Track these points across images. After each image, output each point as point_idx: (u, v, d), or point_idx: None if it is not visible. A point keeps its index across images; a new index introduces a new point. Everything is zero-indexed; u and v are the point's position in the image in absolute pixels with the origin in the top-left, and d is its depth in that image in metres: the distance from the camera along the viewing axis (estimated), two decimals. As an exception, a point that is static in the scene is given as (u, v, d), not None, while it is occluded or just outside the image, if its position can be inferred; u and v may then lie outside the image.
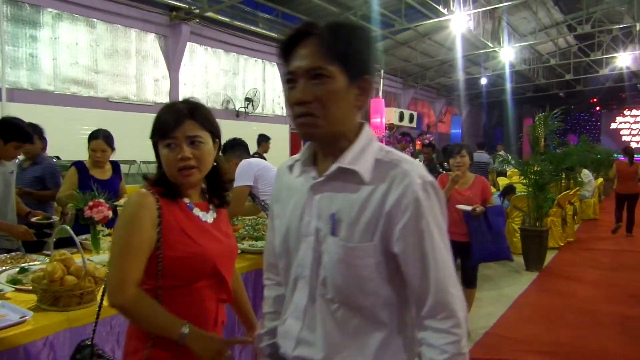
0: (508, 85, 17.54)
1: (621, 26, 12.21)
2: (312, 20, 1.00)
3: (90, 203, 2.41)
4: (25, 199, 3.23)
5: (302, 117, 0.96)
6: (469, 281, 3.70)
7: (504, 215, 3.75)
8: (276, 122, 11.32)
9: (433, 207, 0.95)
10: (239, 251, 2.91)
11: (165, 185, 1.31)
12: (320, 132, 0.96)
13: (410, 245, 0.93)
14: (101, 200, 2.47)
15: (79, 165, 3.17)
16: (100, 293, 1.80)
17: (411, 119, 15.39)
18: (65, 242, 2.39)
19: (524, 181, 6.35)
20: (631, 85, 19.38)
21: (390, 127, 12.19)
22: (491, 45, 12.19)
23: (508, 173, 10.77)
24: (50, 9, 7.35)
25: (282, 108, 11.79)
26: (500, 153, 9.09)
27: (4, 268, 2.12)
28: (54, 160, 4.29)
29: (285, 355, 1.05)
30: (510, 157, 7.22)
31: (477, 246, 3.51)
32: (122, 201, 3.13)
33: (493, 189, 6.80)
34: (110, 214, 2.47)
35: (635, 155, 8.47)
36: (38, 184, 3.49)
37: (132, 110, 8.17)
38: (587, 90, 20.00)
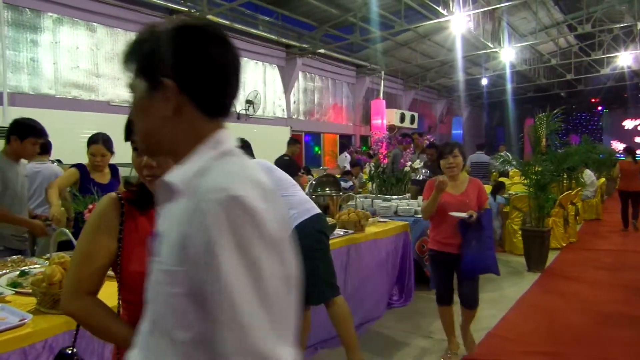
0: (509, 86, 17.53)
1: (622, 25, 12.19)
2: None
3: (90, 206, 2.41)
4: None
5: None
6: (470, 301, 3.30)
7: (492, 218, 3.38)
8: (277, 124, 11.33)
9: (230, 231, 0.71)
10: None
11: (139, 192, 1.24)
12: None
13: (199, 279, 0.72)
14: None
15: (80, 167, 3.19)
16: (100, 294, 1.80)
17: (412, 120, 15.39)
18: (67, 246, 2.40)
19: (525, 181, 6.34)
20: (633, 84, 19.35)
21: (391, 128, 12.18)
22: (491, 46, 12.19)
23: (510, 173, 10.75)
24: (50, 14, 7.37)
25: (282, 110, 11.80)
26: (501, 154, 9.06)
27: (4, 271, 2.13)
28: (54, 163, 4.30)
29: None
30: (511, 158, 7.20)
31: (466, 258, 3.13)
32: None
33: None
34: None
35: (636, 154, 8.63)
36: None
37: (133, 113, 8.17)
38: (588, 90, 19.98)
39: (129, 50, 0.90)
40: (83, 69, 7.81)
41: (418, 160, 5.30)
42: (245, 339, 0.69)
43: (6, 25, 6.87)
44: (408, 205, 4.85)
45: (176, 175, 0.81)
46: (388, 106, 14.46)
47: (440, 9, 9.54)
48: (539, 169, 6.12)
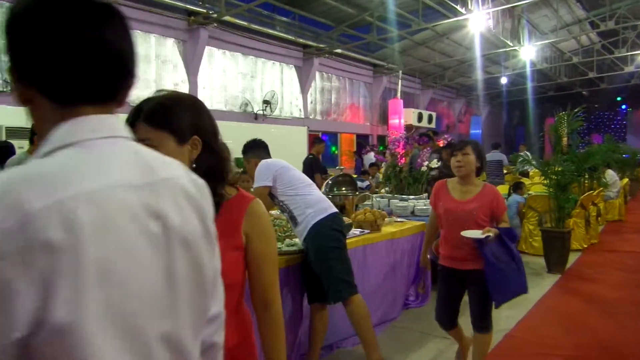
0: (529, 84, 17.26)
1: (646, 22, 11.91)
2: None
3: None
4: None
5: None
6: (481, 323, 2.82)
7: (515, 238, 2.86)
8: (294, 124, 11.36)
9: None
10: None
11: None
12: None
13: None
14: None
15: None
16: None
17: (430, 120, 15.27)
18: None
19: (545, 182, 6.25)
20: (658, 82, 18.90)
21: (409, 128, 12.11)
22: (511, 44, 12.02)
23: (530, 173, 10.59)
24: (72, 16, 7.52)
25: (299, 110, 11.83)
26: (521, 153, 8.94)
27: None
28: None
29: None
30: (530, 157, 7.09)
31: (498, 283, 2.61)
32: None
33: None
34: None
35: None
36: None
37: (152, 114, 8.29)
38: (611, 88, 19.55)
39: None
40: (104, 71, 7.94)
41: (435, 160, 5.25)
42: None
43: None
44: (425, 205, 4.81)
45: None
46: (405, 106, 14.37)
47: (458, 7, 9.44)
48: (560, 169, 6.02)
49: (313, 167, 6.99)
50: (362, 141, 13.71)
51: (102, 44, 0.71)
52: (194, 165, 1.21)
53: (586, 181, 8.57)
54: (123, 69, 0.75)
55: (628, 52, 14.04)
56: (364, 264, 3.65)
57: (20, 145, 4.88)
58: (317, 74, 12.24)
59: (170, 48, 8.95)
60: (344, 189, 4.33)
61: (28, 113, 0.76)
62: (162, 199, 0.71)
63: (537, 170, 7.87)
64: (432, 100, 17.17)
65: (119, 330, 0.62)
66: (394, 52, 13.01)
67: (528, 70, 15.51)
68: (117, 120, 0.75)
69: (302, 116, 11.85)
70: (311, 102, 12.23)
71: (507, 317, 4.23)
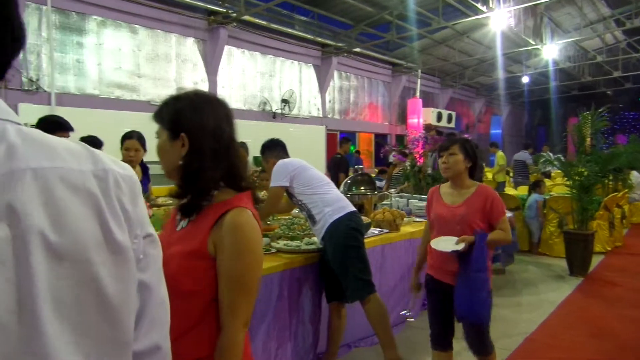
0: (551, 84, 16.95)
1: (674, 19, 11.57)
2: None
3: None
4: None
5: None
6: (475, 348, 2.58)
7: (486, 247, 2.42)
8: (312, 123, 11.36)
9: None
10: (274, 250, 2.94)
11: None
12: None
13: None
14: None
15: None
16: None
17: (449, 119, 15.12)
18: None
19: (568, 182, 6.12)
20: (686, 81, 18.35)
21: (427, 127, 12.01)
22: (533, 43, 11.82)
23: (552, 174, 10.41)
24: (95, 17, 7.65)
25: (318, 109, 11.83)
26: (544, 154, 8.79)
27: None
28: None
29: None
30: (553, 158, 6.96)
31: (455, 297, 2.42)
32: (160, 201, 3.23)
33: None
34: (150, 212, 2.55)
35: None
36: None
37: (172, 112, 8.38)
38: (636, 87, 19.06)
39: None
40: (125, 70, 8.07)
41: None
42: None
43: (54, 29, 7.18)
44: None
45: None
46: (424, 105, 14.26)
47: (479, 5, 9.32)
48: (583, 170, 5.90)
49: (340, 167, 7.03)
50: (381, 140, 13.64)
51: None
52: (181, 163, 1.22)
53: (610, 183, 8.38)
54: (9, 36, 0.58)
55: (655, 50, 13.69)
56: (383, 264, 3.63)
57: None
58: (336, 73, 12.23)
59: (190, 47, 9.03)
60: (362, 188, 4.32)
61: None
62: (17, 193, 0.52)
63: (559, 170, 7.73)
64: (452, 100, 17.00)
65: None
66: (413, 51, 12.92)
67: (551, 69, 15.24)
68: None
69: (321, 115, 11.85)
70: (329, 101, 12.22)
71: (527, 320, 4.17)
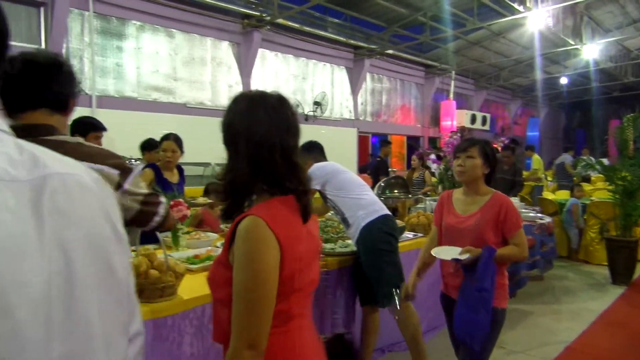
0: (592, 85, 16.38)
1: None
2: None
3: (171, 202, 2.54)
4: None
5: None
6: None
7: (493, 263, 2.11)
8: (344, 126, 11.35)
9: None
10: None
11: None
12: None
13: None
14: (181, 200, 2.60)
15: (154, 167, 3.38)
16: (179, 287, 1.90)
17: (484, 122, 14.83)
18: (149, 239, 2.54)
19: (611, 187, 5.91)
20: None
21: (461, 130, 11.82)
22: (572, 43, 11.46)
23: (592, 179, 10.06)
24: (134, 21, 7.88)
25: (350, 111, 11.81)
26: (584, 157, 8.50)
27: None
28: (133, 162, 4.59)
29: None
30: (594, 162, 6.73)
31: (455, 315, 2.19)
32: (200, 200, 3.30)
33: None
34: (189, 213, 2.60)
35: None
36: None
37: (207, 114, 8.54)
38: (683, 88, 18.23)
39: None
40: (162, 73, 8.27)
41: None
42: None
43: (95, 34, 7.43)
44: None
45: None
46: (458, 107, 14.03)
47: (516, 5, 9.11)
48: (627, 175, 5.68)
49: (380, 170, 7.04)
50: (413, 143, 13.51)
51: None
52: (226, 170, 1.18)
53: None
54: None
55: None
56: (417, 268, 3.58)
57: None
58: (368, 75, 12.18)
59: (225, 50, 9.18)
60: (396, 191, 4.28)
61: None
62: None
63: (600, 175, 7.47)
64: (487, 102, 16.67)
65: None
66: (447, 52, 12.73)
67: (591, 69, 14.74)
68: None
69: (353, 117, 11.83)
70: (361, 104, 12.19)
71: (567, 328, 4.04)
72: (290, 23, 9.49)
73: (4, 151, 0.54)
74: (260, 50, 9.50)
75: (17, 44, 6.85)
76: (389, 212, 3.04)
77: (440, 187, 5.61)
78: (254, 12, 8.95)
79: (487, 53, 13.30)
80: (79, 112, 6.19)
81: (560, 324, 4.16)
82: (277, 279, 1.07)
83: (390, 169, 6.18)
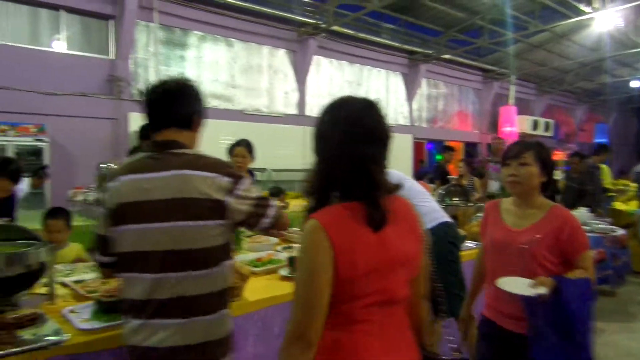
0: (667, 88, 15.30)
1: None
2: None
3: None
4: None
5: None
6: None
7: (591, 297, 1.77)
8: (399, 132, 11.21)
9: None
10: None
11: None
12: None
13: None
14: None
15: None
16: (244, 289, 1.92)
17: (546, 128, 14.20)
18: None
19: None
20: None
21: (523, 136, 11.35)
22: (645, 43, 10.77)
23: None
24: (196, 32, 8.18)
25: (405, 117, 11.66)
26: (658, 165, 7.92)
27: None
28: None
29: None
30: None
31: (538, 350, 1.74)
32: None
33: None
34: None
35: None
36: None
37: (264, 121, 8.72)
38: None
39: None
40: (221, 81, 8.53)
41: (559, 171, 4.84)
42: None
43: (160, 44, 7.78)
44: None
45: None
46: (519, 112, 13.51)
47: (582, 6, 8.68)
48: None
49: (443, 176, 6.94)
50: (470, 150, 13.13)
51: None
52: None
53: None
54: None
55: None
56: (478, 278, 3.45)
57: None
58: (424, 81, 11.99)
59: (281, 58, 9.34)
60: (456, 199, 4.16)
61: None
62: None
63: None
64: (549, 107, 15.94)
65: None
66: (507, 56, 12.30)
67: (665, 71, 13.77)
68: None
69: (408, 123, 11.67)
70: (417, 109, 12.00)
71: (644, 349, 3.75)
72: (345, 30, 9.52)
73: None
74: (315, 57, 9.59)
75: (89, 55, 7.30)
76: (450, 219, 2.95)
77: (476, 195, 5.42)
78: (309, 20, 9.05)
79: (550, 56, 12.73)
80: (139, 118, 6.43)
81: (636, 343, 3.87)
82: (330, 280, 1.11)
83: (451, 177, 6.01)
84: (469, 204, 4.23)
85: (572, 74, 14.83)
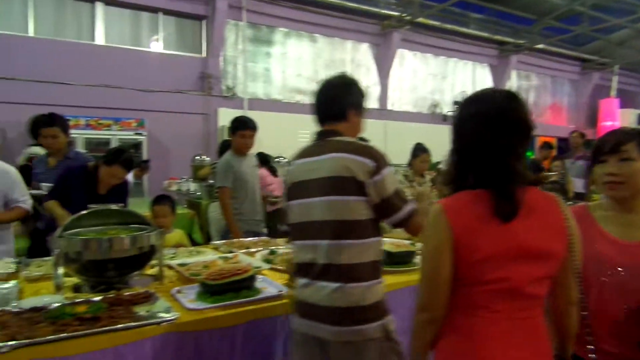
0: None
1: None
2: None
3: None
4: None
5: None
6: None
7: None
8: (485, 127, 10.74)
9: None
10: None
11: None
12: None
13: None
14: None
15: None
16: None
17: (654, 122, 12.88)
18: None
19: None
20: None
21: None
22: None
23: None
24: (281, 29, 8.37)
25: (491, 112, 11.14)
26: None
27: (258, 249, 2.46)
28: None
29: None
30: None
31: None
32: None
33: None
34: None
35: None
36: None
37: (345, 116, 8.73)
38: None
39: None
40: (305, 76, 8.66)
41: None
42: None
43: (247, 41, 8.05)
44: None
45: None
46: (622, 106, 12.37)
47: None
48: None
49: (537, 174, 6.59)
50: (564, 146, 12.24)
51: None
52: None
53: None
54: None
55: None
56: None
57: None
58: (514, 72, 11.36)
59: (364, 52, 9.29)
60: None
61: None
62: None
63: None
64: (657, 99, 14.44)
65: None
66: (610, 44, 11.30)
67: None
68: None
69: (495, 118, 11.13)
70: (505, 103, 11.40)
71: None
72: (430, 21, 9.26)
73: None
74: (398, 51, 9.42)
75: (184, 54, 7.72)
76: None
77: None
78: (393, 13, 8.91)
79: (661, 43, 11.51)
80: (232, 113, 6.73)
81: None
82: (450, 260, 1.17)
83: (544, 173, 5.65)
84: (569, 203, 3.93)
85: (686, 62, 13.32)
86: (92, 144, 6.44)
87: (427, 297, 1.22)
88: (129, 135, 6.87)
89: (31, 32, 6.70)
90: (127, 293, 1.68)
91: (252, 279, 1.76)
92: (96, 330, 1.38)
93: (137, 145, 6.88)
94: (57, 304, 1.53)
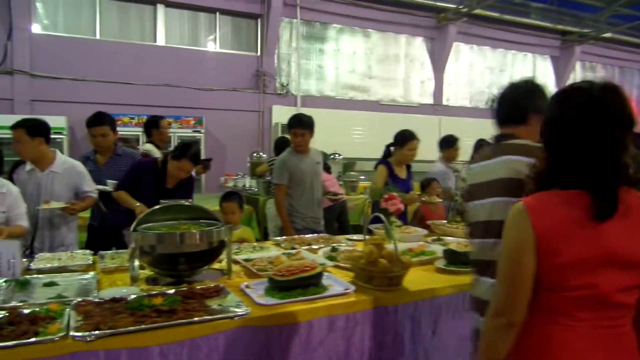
0: None
1: None
2: None
3: (386, 196, 2.57)
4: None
5: None
6: None
7: None
8: (546, 121, 10.27)
9: None
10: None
11: None
12: None
13: None
14: (394, 194, 2.62)
15: (386, 163, 3.45)
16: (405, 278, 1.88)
17: None
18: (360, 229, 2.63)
19: None
20: None
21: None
22: None
23: None
24: (335, 25, 8.35)
25: (553, 105, 10.63)
26: None
27: (320, 246, 2.47)
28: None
29: None
30: None
31: None
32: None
33: None
34: (402, 207, 2.60)
35: None
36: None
37: (399, 111, 8.61)
38: None
39: None
40: (358, 72, 8.60)
41: None
42: None
43: (301, 39, 8.09)
44: None
45: None
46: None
47: None
48: None
49: None
50: (637, 142, 11.49)
51: None
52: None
53: None
54: None
55: None
56: None
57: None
58: (578, 64, 10.77)
59: (418, 47, 9.12)
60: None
61: None
62: None
63: None
64: None
65: None
66: (687, 30, 10.48)
67: None
68: None
69: (556, 112, 10.61)
70: (569, 96, 10.85)
71: None
72: (488, 12, 8.94)
73: None
74: (454, 44, 9.17)
75: (239, 52, 7.88)
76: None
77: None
78: (450, 5, 8.68)
79: None
80: (286, 110, 6.83)
81: None
82: (532, 263, 1.10)
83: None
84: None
85: None
86: (153, 142, 6.69)
87: (505, 300, 1.14)
88: (187, 132, 7.10)
89: (98, 35, 7.05)
90: (199, 287, 1.73)
91: (319, 276, 1.76)
92: (174, 322, 1.42)
93: (195, 143, 7.08)
94: (134, 296, 1.60)
